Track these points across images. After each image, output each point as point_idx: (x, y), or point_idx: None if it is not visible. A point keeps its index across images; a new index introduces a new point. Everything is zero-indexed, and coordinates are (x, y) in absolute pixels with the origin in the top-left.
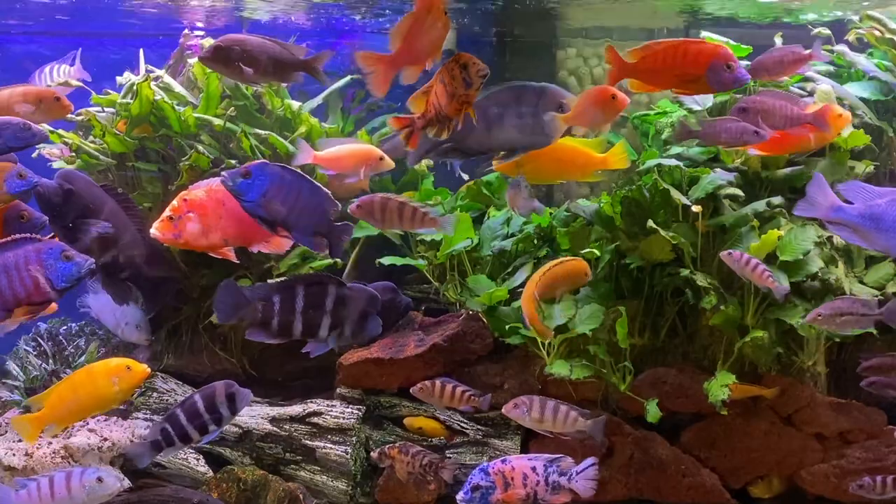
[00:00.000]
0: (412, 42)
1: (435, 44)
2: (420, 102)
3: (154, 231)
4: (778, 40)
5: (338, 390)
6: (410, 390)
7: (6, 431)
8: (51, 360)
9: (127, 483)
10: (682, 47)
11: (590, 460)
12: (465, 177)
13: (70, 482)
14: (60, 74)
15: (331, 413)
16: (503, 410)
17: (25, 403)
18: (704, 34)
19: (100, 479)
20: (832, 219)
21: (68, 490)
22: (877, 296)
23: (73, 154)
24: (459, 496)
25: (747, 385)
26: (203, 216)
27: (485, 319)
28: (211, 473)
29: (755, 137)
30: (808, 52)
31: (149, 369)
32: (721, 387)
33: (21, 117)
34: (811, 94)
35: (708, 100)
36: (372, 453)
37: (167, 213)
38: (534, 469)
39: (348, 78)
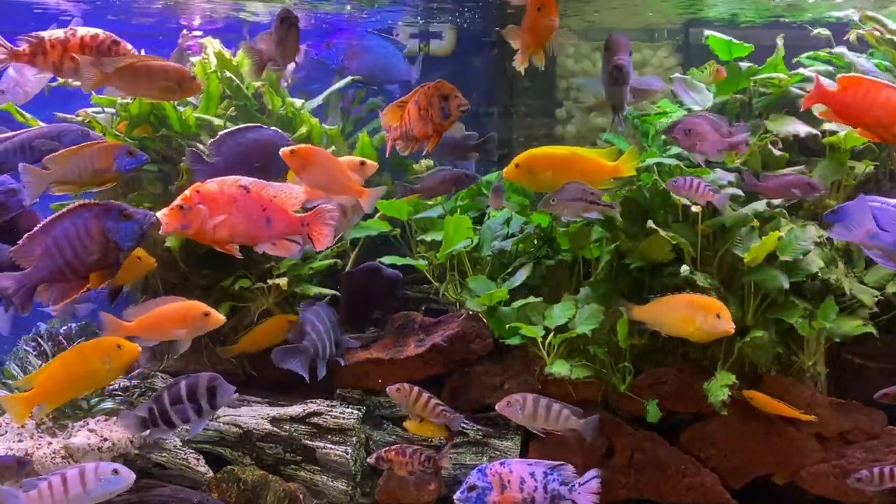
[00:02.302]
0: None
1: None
2: (394, 115)
3: (162, 217)
4: (779, 41)
5: (338, 390)
6: (387, 389)
7: (6, 432)
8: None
9: None
10: (885, 92)
11: (592, 472)
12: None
13: (85, 477)
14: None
15: (331, 413)
16: (496, 408)
17: (16, 384)
18: (707, 33)
19: (115, 472)
20: (869, 244)
21: (83, 485)
22: (877, 296)
23: None
24: (456, 496)
25: (784, 405)
26: (213, 210)
27: (485, 320)
28: (211, 474)
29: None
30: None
31: (139, 348)
32: (721, 387)
33: (162, 92)
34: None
35: (708, 100)
36: (369, 458)
37: (178, 202)
38: (532, 475)
39: (349, 79)
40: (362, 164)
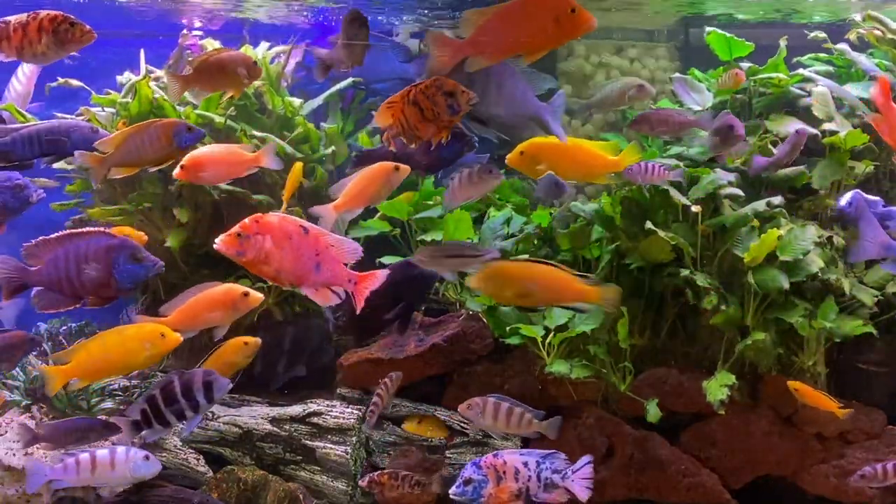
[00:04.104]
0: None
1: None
2: (386, 116)
3: (219, 244)
4: (782, 43)
5: (338, 390)
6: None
7: (6, 432)
8: (50, 361)
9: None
10: None
11: (585, 458)
12: None
13: (115, 458)
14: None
15: (331, 413)
16: (458, 409)
17: (53, 356)
18: (709, 30)
19: (146, 458)
20: (886, 255)
21: (112, 466)
22: (877, 296)
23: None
24: (452, 490)
25: (826, 398)
26: (270, 242)
27: (485, 319)
28: (211, 473)
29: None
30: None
31: (181, 338)
32: (721, 386)
33: (237, 82)
34: (810, 94)
35: (708, 100)
36: (360, 481)
37: (237, 229)
38: (525, 464)
39: (349, 80)
40: (396, 168)
